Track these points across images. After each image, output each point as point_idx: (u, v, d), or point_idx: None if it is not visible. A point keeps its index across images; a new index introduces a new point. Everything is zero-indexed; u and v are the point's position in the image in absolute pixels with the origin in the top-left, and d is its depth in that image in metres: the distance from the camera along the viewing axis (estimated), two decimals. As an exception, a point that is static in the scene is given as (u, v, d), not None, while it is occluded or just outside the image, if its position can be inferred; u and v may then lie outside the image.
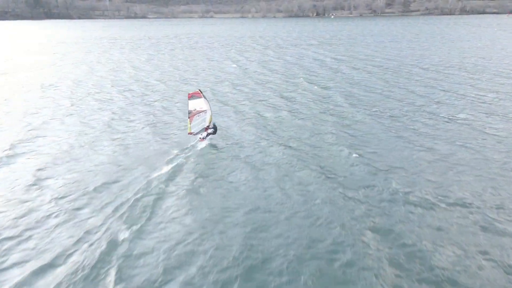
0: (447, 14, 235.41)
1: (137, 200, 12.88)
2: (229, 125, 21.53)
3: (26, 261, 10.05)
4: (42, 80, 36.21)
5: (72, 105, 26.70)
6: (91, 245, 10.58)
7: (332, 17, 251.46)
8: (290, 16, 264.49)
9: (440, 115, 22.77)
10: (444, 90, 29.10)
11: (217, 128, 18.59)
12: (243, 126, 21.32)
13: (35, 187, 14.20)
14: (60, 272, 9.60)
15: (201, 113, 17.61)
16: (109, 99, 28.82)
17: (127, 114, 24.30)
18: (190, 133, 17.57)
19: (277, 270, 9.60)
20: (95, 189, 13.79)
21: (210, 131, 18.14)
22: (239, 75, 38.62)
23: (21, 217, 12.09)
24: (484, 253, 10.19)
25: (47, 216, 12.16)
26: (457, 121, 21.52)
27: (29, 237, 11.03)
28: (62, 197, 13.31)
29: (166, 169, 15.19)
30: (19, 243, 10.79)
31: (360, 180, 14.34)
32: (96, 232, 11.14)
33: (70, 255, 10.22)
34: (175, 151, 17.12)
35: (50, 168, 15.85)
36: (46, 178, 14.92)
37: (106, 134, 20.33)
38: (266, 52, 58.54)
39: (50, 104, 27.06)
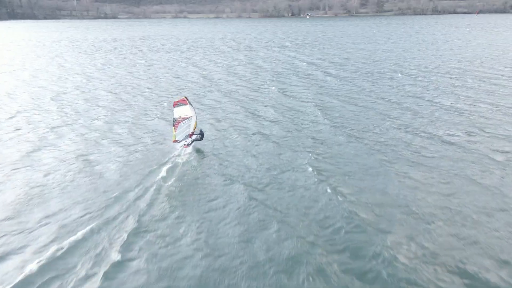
0: (420, 14, 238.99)
1: (123, 214, 12.47)
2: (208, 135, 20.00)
3: (19, 274, 9.89)
4: (-32, 93, 31.04)
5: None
6: (76, 262, 10.31)
7: (308, 17, 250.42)
8: (266, 16, 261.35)
9: (422, 123, 20.66)
10: (425, 96, 26.24)
11: (204, 134, 18.25)
12: (225, 135, 20.40)
13: None
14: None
15: (186, 120, 17.23)
16: (47, 112, 24.51)
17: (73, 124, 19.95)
18: (175, 141, 17.13)
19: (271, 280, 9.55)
20: (73, 208, 13.02)
21: (194, 137, 17.75)
22: (202, 83, 34.50)
23: (13, 233, 11.66)
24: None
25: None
26: (436, 128, 19.42)
27: (19, 250, 10.88)
28: (40, 218, 12.50)
29: (149, 181, 14.61)
30: (13, 257, 10.58)
31: (346, 184, 14.61)
32: (82, 249, 10.81)
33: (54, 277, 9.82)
34: (159, 162, 16.42)
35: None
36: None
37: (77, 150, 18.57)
38: (236, 55, 54.60)
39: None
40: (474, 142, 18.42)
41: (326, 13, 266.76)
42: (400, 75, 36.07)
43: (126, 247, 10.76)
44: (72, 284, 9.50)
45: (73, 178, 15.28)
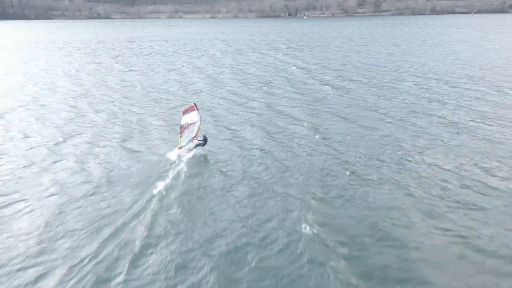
0: (418, 14, 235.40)
1: (127, 220, 12.24)
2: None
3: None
4: None
5: None
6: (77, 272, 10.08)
7: (305, 17, 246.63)
8: (262, 17, 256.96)
9: (427, 131, 17.79)
10: (441, 113, 22.25)
11: (207, 140, 17.71)
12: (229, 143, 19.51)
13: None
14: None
15: (191, 125, 16.98)
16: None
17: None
18: (181, 148, 16.88)
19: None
20: (75, 212, 12.89)
21: (196, 141, 17.27)
22: (181, 93, 30.35)
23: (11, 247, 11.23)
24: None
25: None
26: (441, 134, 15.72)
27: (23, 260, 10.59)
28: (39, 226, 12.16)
29: (153, 189, 14.25)
30: (15, 270, 10.27)
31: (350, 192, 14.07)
32: (81, 258, 10.55)
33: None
34: (162, 168, 16.11)
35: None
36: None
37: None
38: (224, 61, 50.48)
39: None
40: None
41: (323, 13, 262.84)
42: (406, 84, 32.00)
43: (131, 254, 10.70)
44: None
45: (73, 185, 14.89)
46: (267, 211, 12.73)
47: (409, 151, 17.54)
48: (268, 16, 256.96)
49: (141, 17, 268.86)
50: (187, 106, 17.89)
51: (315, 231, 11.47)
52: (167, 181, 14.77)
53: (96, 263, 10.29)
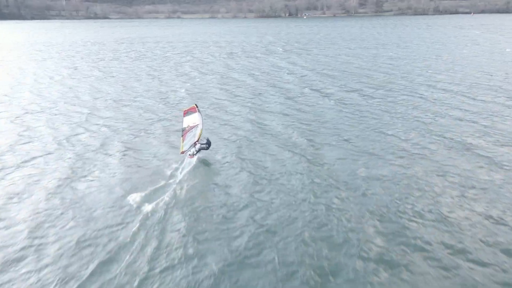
0: (421, 14, 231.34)
1: (128, 226, 12.03)
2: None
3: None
4: None
5: None
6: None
7: (305, 17, 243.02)
8: (262, 17, 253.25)
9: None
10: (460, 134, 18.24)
11: (210, 143, 16.81)
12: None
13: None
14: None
15: (193, 129, 16.30)
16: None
17: None
18: (183, 152, 16.08)
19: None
20: (75, 217, 12.56)
21: (198, 146, 16.41)
22: (182, 95, 26.45)
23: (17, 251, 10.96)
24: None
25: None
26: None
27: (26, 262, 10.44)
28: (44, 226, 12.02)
29: (154, 195, 13.75)
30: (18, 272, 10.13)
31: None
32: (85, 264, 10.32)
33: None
34: (163, 175, 15.35)
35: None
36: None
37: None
38: (213, 67, 46.58)
39: None
40: None
41: (324, 13, 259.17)
42: (416, 96, 27.88)
43: (131, 255, 10.59)
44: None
45: (72, 191, 14.57)
46: (274, 218, 12.45)
47: (434, 196, 13.54)
48: (268, 16, 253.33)
49: (139, 17, 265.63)
50: (187, 107, 17.49)
51: (322, 234, 11.47)
52: (170, 186, 14.40)
53: (97, 264, 10.29)
